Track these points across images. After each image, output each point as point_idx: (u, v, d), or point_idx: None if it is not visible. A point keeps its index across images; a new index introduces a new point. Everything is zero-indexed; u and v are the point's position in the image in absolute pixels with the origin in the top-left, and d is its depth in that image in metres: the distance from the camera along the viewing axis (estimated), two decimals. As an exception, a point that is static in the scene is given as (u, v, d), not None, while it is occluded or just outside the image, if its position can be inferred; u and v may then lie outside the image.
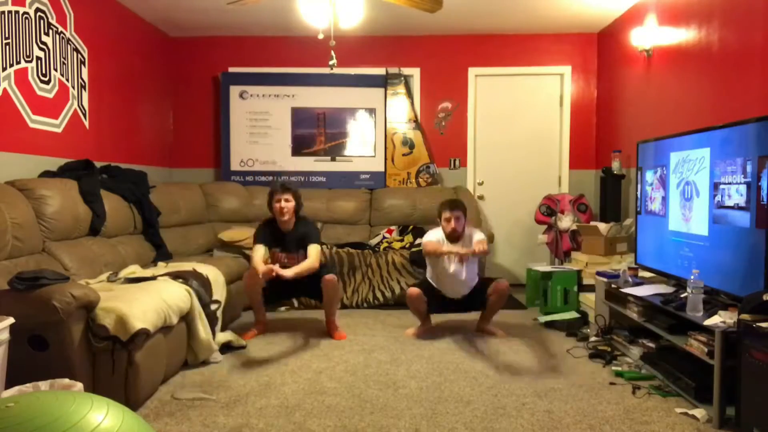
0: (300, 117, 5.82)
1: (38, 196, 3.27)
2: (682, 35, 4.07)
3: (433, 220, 5.56)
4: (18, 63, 3.56)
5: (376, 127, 5.90)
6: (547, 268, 4.63)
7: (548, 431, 2.45)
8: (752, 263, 2.66)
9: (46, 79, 3.86)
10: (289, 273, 3.65)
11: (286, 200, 3.88)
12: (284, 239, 3.92)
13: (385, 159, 5.93)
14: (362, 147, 5.91)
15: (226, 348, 3.54)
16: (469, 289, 3.99)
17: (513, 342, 3.80)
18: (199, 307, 3.28)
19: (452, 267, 3.88)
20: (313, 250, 3.84)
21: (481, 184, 6.03)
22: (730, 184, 2.84)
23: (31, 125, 3.72)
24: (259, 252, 3.82)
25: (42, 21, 3.80)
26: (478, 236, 3.83)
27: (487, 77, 5.99)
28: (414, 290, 3.90)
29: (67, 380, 2.20)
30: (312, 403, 2.74)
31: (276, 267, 3.64)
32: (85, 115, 4.34)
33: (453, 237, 3.87)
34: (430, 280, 4.03)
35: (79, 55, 4.26)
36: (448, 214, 3.86)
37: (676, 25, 4.17)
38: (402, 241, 5.26)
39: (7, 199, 3.04)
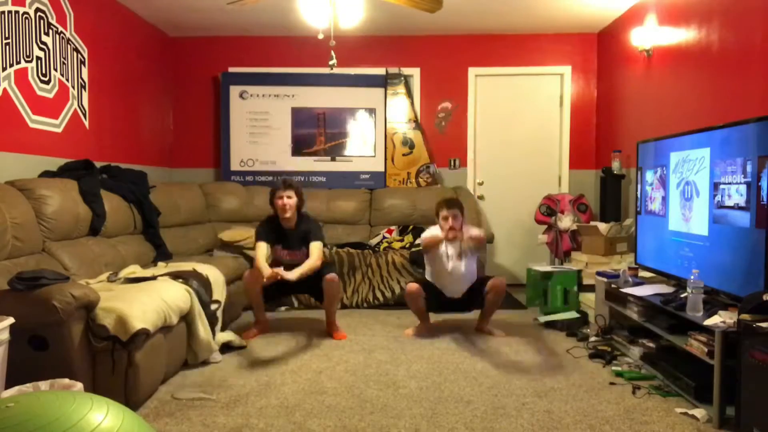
0: (300, 117, 5.82)
1: (38, 196, 3.27)
2: (682, 35, 4.07)
3: (433, 220, 5.57)
4: (18, 63, 3.56)
5: (376, 127, 5.90)
6: (547, 268, 4.63)
7: (548, 431, 2.45)
8: (752, 263, 2.67)
9: (46, 79, 3.86)
10: (293, 276, 3.64)
11: (288, 197, 3.87)
12: (286, 236, 3.92)
13: (385, 159, 5.93)
14: (362, 147, 5.91)
15: (226, 348, 3.54)
16: (469, 285, 4.00)
17: (513, 342, 3.80)
18: (199, 307, 3.28)
19: (451, 264, 3.92)
20: (315, 248, 3.84)
21: (481, 184, 6.03)
22: (730, 184, 2.84)
23: (31, 125, 3.72)
24: (262, 250, 3.82)
25: (42, 21, 3.80)
26: (474, 230, 3.91)
27: (487, 77, 5.99)
28: (413, 285, 3.95)
29: (67, 380, 2.20)
30: (312, 403, 2.74)
31: (281, 271, 3.63)
32: (85, 115, 4.34)
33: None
34: (430, 279, 4.04)
35: (79, 55, 4.26)
36: (446, 213, 3.86)
37: (676, 25, 4.17)
38: (402, 241, 5.26)
39: (7, 199, 3.04)
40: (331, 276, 3.86)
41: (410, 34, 5.89)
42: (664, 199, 3.54)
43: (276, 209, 3.90)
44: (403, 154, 5.97)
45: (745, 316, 2.38)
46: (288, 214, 3.88)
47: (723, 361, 2.46)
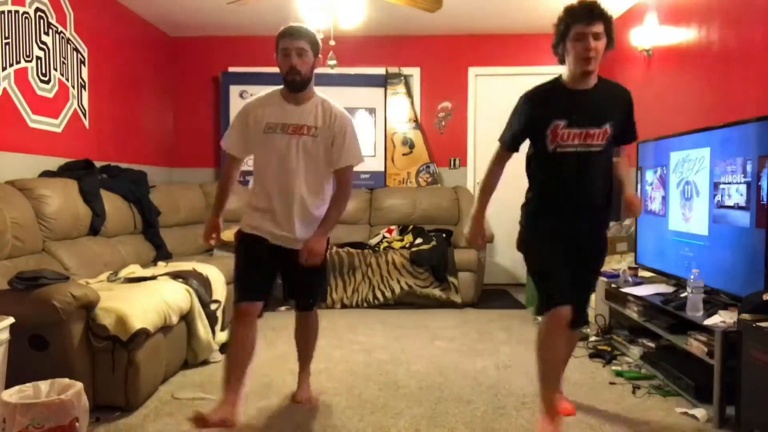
0: (300, 117, 5.81)
1: (38, 196, 3.27)
2: (682, 35, 4.07)
3: (432, 220, 5.58)
4: (18, 63, 3.56)
5: (376, 126, 5.90)
6: (547, 268, 4.61)
7: (548, 431, 2.45)
8: (752, 263, 2.66)
9: (46, 78, 3.86)
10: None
11: (596, 35, 2.28)
12: (580, 105, 2.38)
13: (385, 159, 5.92)
14: (362, 147, 5.88)
15: (226, 348, 3.54)
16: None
17: (513, 342, 3.80)
18: (199, 306, 3.28)
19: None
20: None
21: (481, 184, 6.03)
22: (730, 183, 2.84)
23: (31, 125, 3.72)
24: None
25: (42, 21, 3.80)
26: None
27: (487, 77, 5.98)
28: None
29: (67, 380, 2.20)
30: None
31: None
32: (85, 115, 4.34)
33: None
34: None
35: (79, 55, 4.25)
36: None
37: (676, 24, 4.17)
38: (402, 240, 5.26)
39: (7, 199, 3.04)
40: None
41: (410, 34, 5.89)
42: (664, 199, 3.54)
43: (577, 50, 2.32)
44: (403, 154, 5.97)
45: (745, 316, 2.38)
46: (591, 67, 2.34)
47: (723, 361, 2.46)
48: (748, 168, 2.70)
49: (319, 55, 2.62)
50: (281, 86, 2.62)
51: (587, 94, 2.38)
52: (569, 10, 2.35)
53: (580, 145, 2.32)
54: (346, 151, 2.62)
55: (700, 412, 2.57)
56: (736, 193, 2.79)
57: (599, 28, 2.28)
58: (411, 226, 5.48)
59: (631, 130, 2.51)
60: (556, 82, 2.49)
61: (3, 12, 3.40)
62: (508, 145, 2.51)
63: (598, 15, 2.28)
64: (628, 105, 2.50)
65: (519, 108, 2.51)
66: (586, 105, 2.36)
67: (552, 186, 2.45)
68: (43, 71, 3.82)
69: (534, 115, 2.41)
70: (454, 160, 6.00)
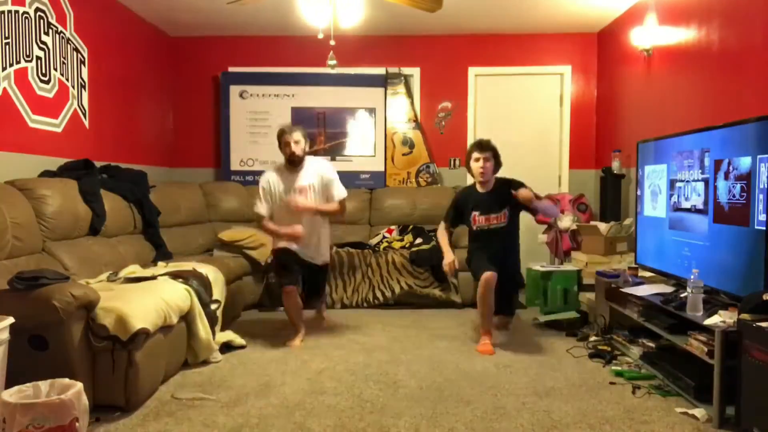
0: (300, 117, 5.81)
1: (38, 196, 3.27)
2: (682, 35, 4.07)
3: (432, 220, 5.58)
4: (18, 63, 3.56)
5: (376, 126, 5.90)
6: (547, 268, 4.62)
7: (548, 431, 2.45)
8: (752, 263, 2.66)
9: (46, 78, 3.86)
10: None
11: (486, 159, 3.84)
12: (482, 200, 3.89)
13: (385, 159, 5.93)
14: (362, 147, 5.91)
15: (226, 348, 3.54)
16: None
17: (513, 342, 3.80)
18: (199, 306, 3.28)
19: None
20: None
21: (481, 183, 6.03)
22: (729, 183, 2.84)
23: (31, 125, 3.72)
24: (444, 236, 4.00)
25: (42, 21, 3.80)
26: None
27: (487, 77, 5.98)
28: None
29: (67, 380, 2.20)
30: (312, 403, 2.74)
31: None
32: (85, 115, 4.34)
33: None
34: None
35: (79, 55, 4.26)
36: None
37: (676, 24, 4.17)
38: (402, 240, 5.26)
39: (7, 199, 3.04)
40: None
41: (410, 34, 5.89)
42: (664, 199, 3.53)
43: (474, 174, 3.90)
44: (403, 154, 5.97)
45: (745, 316, 2.38)
46: (483, 179, 3.88)
47: (723, 361, 2.46)
48: (748, 168, 2.70)
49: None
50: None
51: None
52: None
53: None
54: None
55: (700, 412, 2.57)
56: (736, 193, 2.79)
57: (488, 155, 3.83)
58: (411, 226, 5.48)
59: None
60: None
61: (3, 12, 3.40)
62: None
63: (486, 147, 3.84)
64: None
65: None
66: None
67: None
68: (43, 71, 3.82)
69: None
70: (454, 160, 6.00)
